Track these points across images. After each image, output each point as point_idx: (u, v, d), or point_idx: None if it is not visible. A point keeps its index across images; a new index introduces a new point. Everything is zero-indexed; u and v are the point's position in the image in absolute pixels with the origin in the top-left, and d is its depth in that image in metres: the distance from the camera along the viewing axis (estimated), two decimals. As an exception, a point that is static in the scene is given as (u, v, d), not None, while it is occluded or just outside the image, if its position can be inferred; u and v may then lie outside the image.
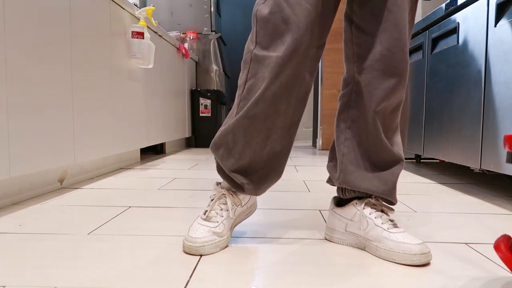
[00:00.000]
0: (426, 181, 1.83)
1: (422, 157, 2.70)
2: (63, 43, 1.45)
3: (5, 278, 0.70)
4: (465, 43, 1.62)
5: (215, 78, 3.95)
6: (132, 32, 2.06)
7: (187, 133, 3.54)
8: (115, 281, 0.69)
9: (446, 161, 2.25)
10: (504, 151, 1.34)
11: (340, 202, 0.96)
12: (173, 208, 1.24)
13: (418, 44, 2.15)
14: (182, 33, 3.89)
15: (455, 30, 1.72)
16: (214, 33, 3.96)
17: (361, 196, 0.90)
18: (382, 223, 0.84)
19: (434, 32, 1.94)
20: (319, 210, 1.23)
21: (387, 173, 0.87)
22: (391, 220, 0.86)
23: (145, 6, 3.79)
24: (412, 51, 2.26)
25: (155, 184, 1.66)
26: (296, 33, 0.77)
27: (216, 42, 3.94)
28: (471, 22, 1.58)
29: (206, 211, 0.89)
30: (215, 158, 0.90)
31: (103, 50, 1.78)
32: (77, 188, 1.55)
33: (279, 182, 1.76)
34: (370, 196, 0.89)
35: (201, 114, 3.66)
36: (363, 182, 0.87)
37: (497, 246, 0.63)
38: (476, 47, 1.53)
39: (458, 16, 1.70)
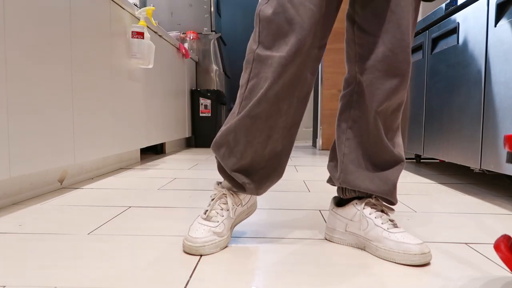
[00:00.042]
0: (426, 181, 1.83)
1: (422, 157, 2.70)
2: (63, 43, 1.45)
3: (5, 278, 0.70)
4: (465, 43, 1.62)
5: (215, 78, 3.95)
6: (132, 32, 2.06)
7: (187, 133, 3.54)
8: (115, 281, 0.69)
9: (446, 161, 2.25)
10: (504, 151, 1.34)
11: (340, 202, 0.96)
12: (173, 208, 1.24)
13: (418, 44, 2.15)
14: (182, 33, 3.89)
15: (455, 30, 1.72)
16: (214, 33, 3.96)
17: (361, 196, 0.90)
18: (382, 223, 0.84)
19: (434, 32, 1.94)
20: (319, 210, 1.23)
21: (387, 173, 0.87)
22: (391, 220, 0.86)
23: (145, 6, 3.79)
24: (412, 51, 2.26)
25: (155, 184, 1.66)
26: (300, 34, 0.77)
27: (216, 42, 3.94)
28: (471, 22, 1.58)
29: (207, 210, 0.90)
30: (216, 157, 0.90)
31: (103, 50, 1.78)
32: (77, 188, 1.55)
33: (279, 182, 1.76)
34: (370, 196, 0.89)
35: (201, 114, 3.66)
36: (364, 182, 0.87)
37: (497, 246, 0.63)
38: (476, 47, 1.53)
39: (458, 16, 1.70)
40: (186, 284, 0.68)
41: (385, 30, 0.81)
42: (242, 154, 0.85)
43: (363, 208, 0.88)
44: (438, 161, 2.71)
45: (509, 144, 0.61)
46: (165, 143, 3.06)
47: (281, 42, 0.78)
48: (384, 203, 0.89)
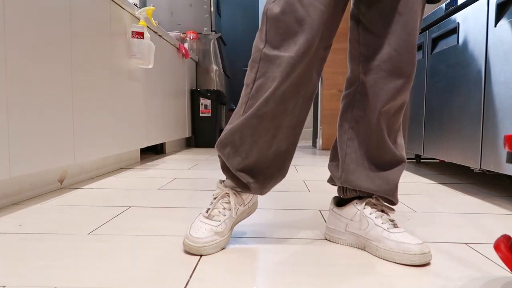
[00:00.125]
0: (426, 181, 1.83)
1: (422, 157, 2.70)
2: (63, 43, 1.45)
3: (5, 278, 0.70)
4: (465, 43, 1.62)
5: (215, 78, 3.95)
6: (132, 32, 2.06)
7: (187, 133, 3.54)
8: (115, 281, 0.69)
9: (446, 161, 2.25)
10: (504, 151, 1.34)
11: (340, 202, 0.96)
12: (173, 208, 1.24)
13: (418, 44, 2.15)
14: (182, 33, 3.89)
15: (455, 30, 1.72)
16: (214, 33, 3.96)
17: (362, 196, 0.90)
18: (382, 223, 0.84)
19: (434, 32, 1.94)
20: (319, 210, 1.23)
21: (389, 173, 0.87)
22: (391, 220, 0.86)
23: (145, 6, 3.79)
24: (412, 51, 2.26)
25: (155, 184, 1.66)
26: (309, 34, 0.77)
27: (216, 42, 3.94)
28: (471, 22, 1.58)
29: (209, 209, 0.89)
30: (219, 156, 0.89)
31: (103, 50, 1.78)
32: (77, 188, 1.55)
33: (280, 182, 1.76)
34: (370, 196, 0.89)
35: (201, 114, 3.66)
36: (365, 182, 0.87)
37: (497, 246, 0.63)
38: (476, 47, 1.53)
39: (458, 16, 1.70)
40: (186, 284, 0.68)
41: (392, 31, 0.81)
42: (247, 153, 0.85)
43: (364, 208, 0.88)
44: (438, 161, 2.71)
45: (509, 144, 0.61)
46: (165, 143, 3.06)
47: (290, 42, 0.78)
48: (384, 203, 0.89)
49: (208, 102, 3.64)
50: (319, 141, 3.54)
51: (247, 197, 0.92)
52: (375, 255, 0.84)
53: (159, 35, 2.65)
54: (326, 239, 0.94)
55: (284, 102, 0.82)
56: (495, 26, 1.40)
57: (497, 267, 0.78)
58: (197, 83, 3.95)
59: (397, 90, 0.83)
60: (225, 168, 0.90)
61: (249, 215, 0.97)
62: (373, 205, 0.88)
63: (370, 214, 0.86)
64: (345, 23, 3.35)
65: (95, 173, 1.86)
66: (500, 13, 1.39)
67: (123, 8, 2.01)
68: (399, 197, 1.46)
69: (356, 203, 0.89)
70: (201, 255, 0.82)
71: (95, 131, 1.71)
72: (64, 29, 1.46)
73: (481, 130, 1.48)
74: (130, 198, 1.39)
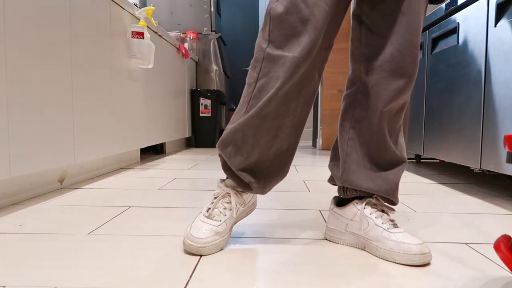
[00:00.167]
0: (426, 181, 1.83)
1: (422, 157, 2.70)
2: (63, 43, 1.45)
3: (5, 278, 0.70)
4: (465, 43, 1.62)
5: (215, 78, 3.95)
6: (132, 32, 2.06)
7: (187, 133, 3.54)
8: (115, 281, 0.69)
9: (446, 161, 2.25)
10: (504, 151, 1.34)
11: (340, 202, 0.96)
12: (173, 208, 1.24)
13: (418, 44, 2.15)
14: (182, 33, 3.89)
15: (455, 30, 1.72)
16: (214, 33, 3.96)
17: (362, 196, 0.90)
18: (382, 223, 0.84)
19: (434, 32, 1.94)
20: (319, 210, 1.23)
21: (389, 173, 0.87)
22: (392, 220, 0.86)
23: (145, 6, 3.79)
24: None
25: (155, 184, 1.66)
26: (313, 34, 0.76)
27: (216, 42, 3.94)
28: (471, 22, 1.58)
29: (209, 208, 0.89)
30: (220, 156, 0.89)
31: (103, 50, 1.78)
32: (77, 188, 1.55)
33: (280, 182, 1.76)
34: (371, 196, 0.89)
35: (201, 114, 3.66)
36: (366, 182, 0.87)
37: (497, 246, 0.63)
38: (476, 47, 1.53)
39: (458, 16, 1.70)
40: (186, 284, 0.68)
41: (394, 31, 0.81)
42: (249, 153, 0.85)
43: (364, 208, 0.88)
44: (438, 161, 2.71)
45: (509, 144, 0.61)
46: (165, 143, 3.06)
47: (294, 42, 0.78)
48: (385, 203, 0.89)
49: (208, 102, 3.64)
50: (319, 141, 3.54)
51: (247, 197, 0.92)
52: (375, 255, 0.84)
53: (159, 35, 2.65)
54: (326, 239, 0.94)
55: (286, 102, 0.82)
56: (495, 26, 1.40)
57: (497, 267, 0.78)
58: (197, 83, 3.95)
59: (399, 90, 0.83)
60: (226, 168, 0.89)
61: (248, 215, 0.97)
62: (373, 205, 0.88)
63: (370, 214, 0.86)
64: (345, 23, 3.35)
65: (95, 173, 1.86)
66: (500, 13, 1.39)
67: (123, 8, 2.01)
68: (399, 197, 1.46)
69: (356, 203, 0.89)
70: (201, 255, 0.82)
71: (95, 131, 1.71)
72: (64, 29, 1.46)
73: (481, 130, 1.48)
74: (130, 198, 1.39)
